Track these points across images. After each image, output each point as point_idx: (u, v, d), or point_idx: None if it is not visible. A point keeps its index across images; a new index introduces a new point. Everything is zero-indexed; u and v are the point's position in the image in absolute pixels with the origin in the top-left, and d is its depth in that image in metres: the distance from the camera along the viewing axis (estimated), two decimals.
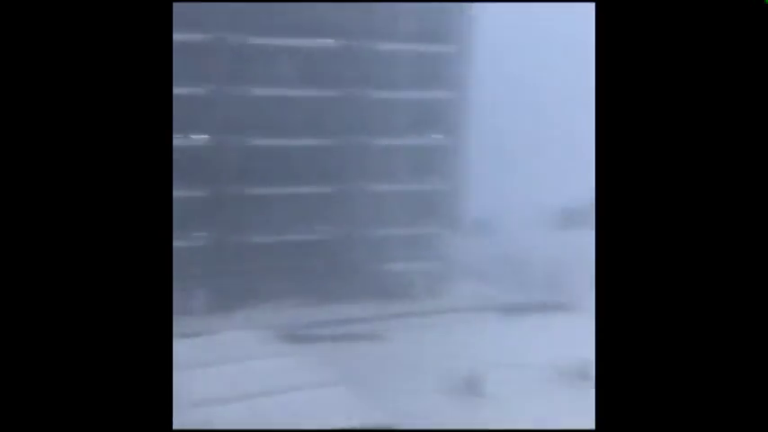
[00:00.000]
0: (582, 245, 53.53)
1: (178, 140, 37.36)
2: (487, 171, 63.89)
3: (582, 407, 33.38)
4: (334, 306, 44.46)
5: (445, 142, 49.18)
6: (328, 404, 31.90)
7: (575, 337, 41.17)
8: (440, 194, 49.74)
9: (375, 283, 46.69)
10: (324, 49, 45.30)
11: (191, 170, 41.67)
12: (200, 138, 43.10)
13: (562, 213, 55.83)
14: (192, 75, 41.15)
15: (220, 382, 32.94)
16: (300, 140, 45.47)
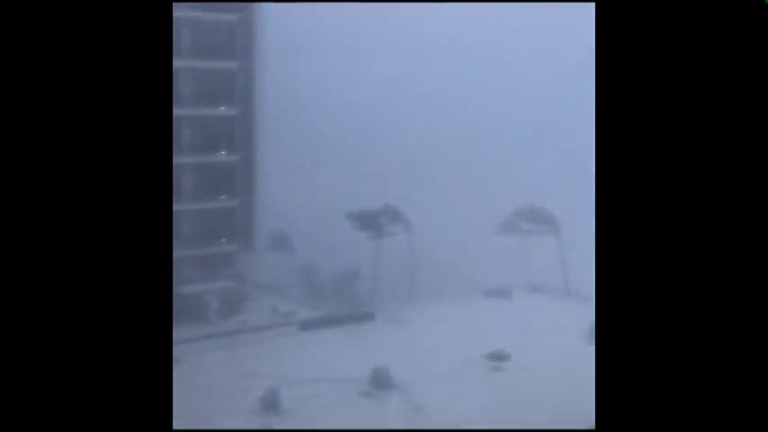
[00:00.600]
0: (376, 254, 54.80)
1: None
2: (281, 186, 63.97)
3: (378, 415, 34.21)
4: None
5: (234, 159, 48.69)
6: None
7: (372, 346, 42.12)
8: (232, 212, 49.15)
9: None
10: None
11: None
12: None
13: (356, 223, 56.77)
14: None
15: None
16: None
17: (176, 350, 40.90)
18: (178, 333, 42.47)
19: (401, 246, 56.94)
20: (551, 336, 44.72)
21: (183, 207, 47.04)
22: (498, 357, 40.32)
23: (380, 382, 36.39)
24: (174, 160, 47.31)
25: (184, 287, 46.21)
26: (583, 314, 47.54)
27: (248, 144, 49.51)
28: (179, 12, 45.04)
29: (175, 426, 31.51)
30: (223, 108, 47.75)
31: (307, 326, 45.26)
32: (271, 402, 33.63)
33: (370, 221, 57.14)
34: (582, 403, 35.28)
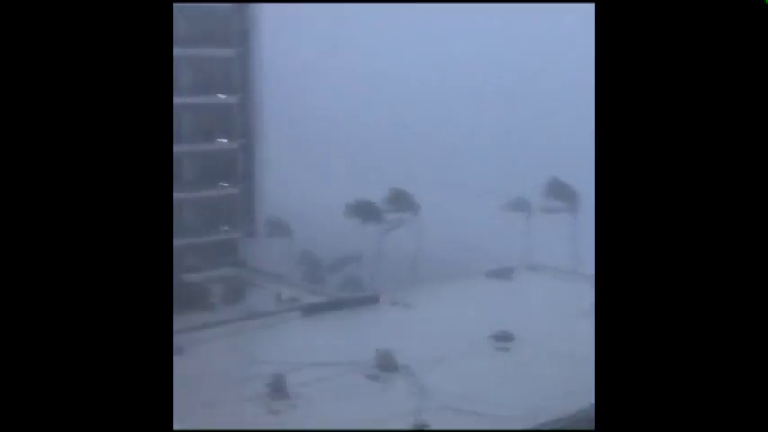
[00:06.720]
0: (378, 240, 54.94)
1: None
2: (281, 172, 64.03)
3: (385, 397, 34.43)
4: None
5: (234, 146, 48.75)
6: None
7: (377, 329, 42.30)
8: (233, 199, 49.27)
9: (173, 296, 45.44)
10: None
11: None
12: None
13: (357, 210, 56.80)
14: None
15: None
16: None
17: (180, 339, 41.07)
18: (181, 321, 42.72)
19: (405, 229, 56.85)
20: (553, 315, 44.88)
21: (184, 195, 47.21)
22: (502, 338, 40.49)
23: (385, 364, 36.57)
24: (175, 149, 47.55)
25: (187, 275, 46.37)
26: (585, 292, 47.74)
27: (248, 131, 49.55)
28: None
29: (182, 417, 31.74)
30: (222, 96, 47.77)
31: (310, 311, 45.40)
32: (277, 388, 33.81)
33: (371, 209, 57.07)
34: (585, 382, 35.53)
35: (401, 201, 59.19)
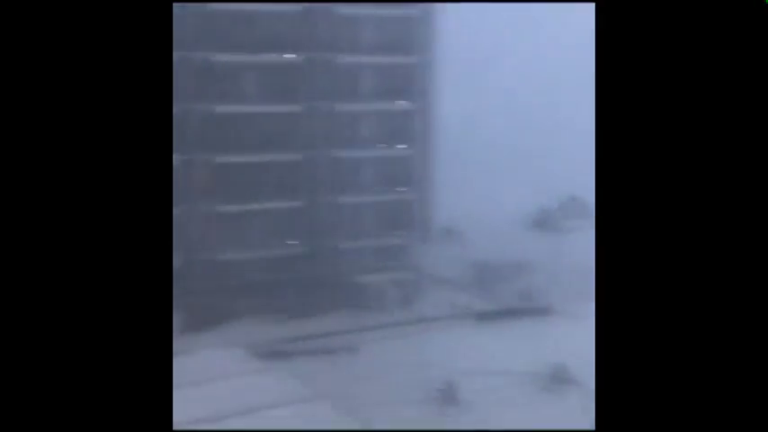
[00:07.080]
0: (552, 249, 53.85)
1: None
2: (456, 179, 64.15)
3: (558, 411, 33.64)
4: (308, 320, 44.35)
5: (412, 152, 49.36)
6: (308, 420, 31.77)
7: (550, 341, 41.48)
8: (409, 204, 49.88)
9: (348, 296, 46.63)
10: (287, 63, 45.33)
11: None
12: None
13: (531, 218, 56.03)
14: None
15: (197, 402, 32.68)
16: (268, 156, 45.38)
17: (354, 338, 42.21)
18: (355, 322, 43.89)
19: (580, 237, 55.51)
20: None
21: (362, 199, 48.32)
22: None
23: (560, 377, 35.81)
24: (354, 153, 48.86)
25: (361, 277, 47.41)
26: None
27: (425, 137, 50.06)
28: (357, 9, 46.26)
29: (353, 413, 32.41)
30: (402, 102, 48.50)
31: (483, 318, 45.22)
32: (450, 393, 33.88)
33: (547, 218, 56.04)
34: None
35: (576, 207, 57.75)
